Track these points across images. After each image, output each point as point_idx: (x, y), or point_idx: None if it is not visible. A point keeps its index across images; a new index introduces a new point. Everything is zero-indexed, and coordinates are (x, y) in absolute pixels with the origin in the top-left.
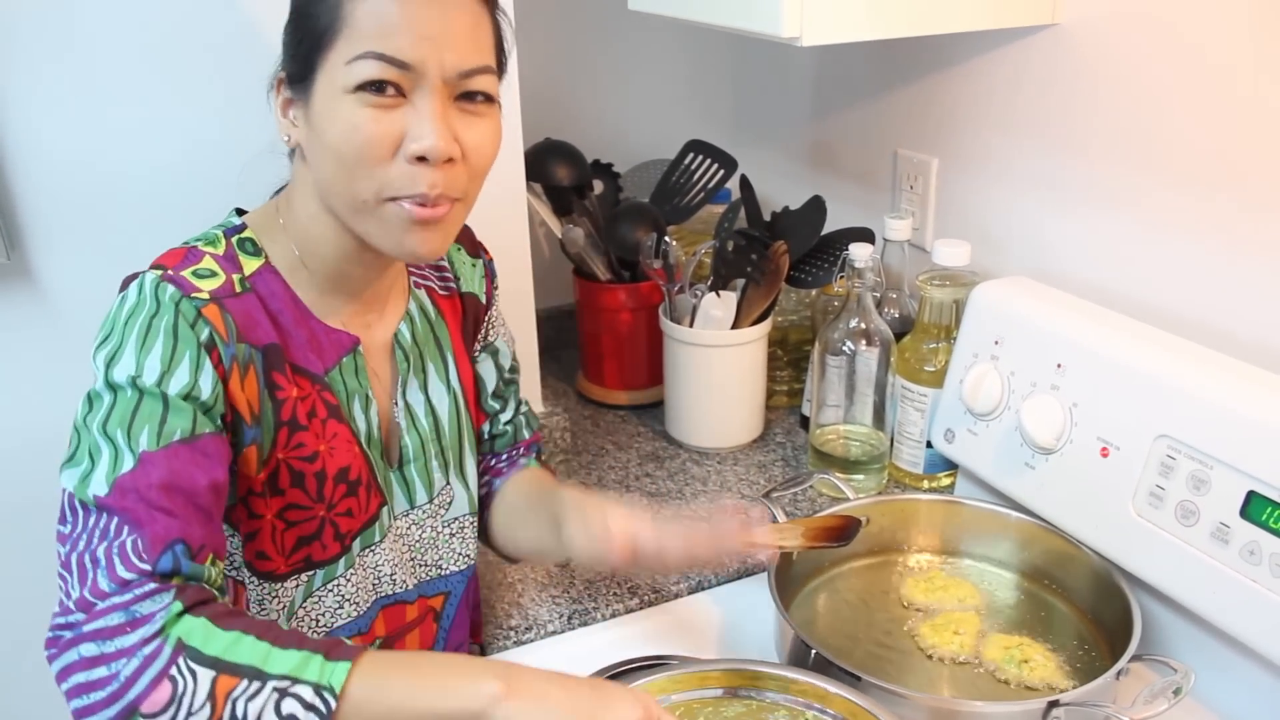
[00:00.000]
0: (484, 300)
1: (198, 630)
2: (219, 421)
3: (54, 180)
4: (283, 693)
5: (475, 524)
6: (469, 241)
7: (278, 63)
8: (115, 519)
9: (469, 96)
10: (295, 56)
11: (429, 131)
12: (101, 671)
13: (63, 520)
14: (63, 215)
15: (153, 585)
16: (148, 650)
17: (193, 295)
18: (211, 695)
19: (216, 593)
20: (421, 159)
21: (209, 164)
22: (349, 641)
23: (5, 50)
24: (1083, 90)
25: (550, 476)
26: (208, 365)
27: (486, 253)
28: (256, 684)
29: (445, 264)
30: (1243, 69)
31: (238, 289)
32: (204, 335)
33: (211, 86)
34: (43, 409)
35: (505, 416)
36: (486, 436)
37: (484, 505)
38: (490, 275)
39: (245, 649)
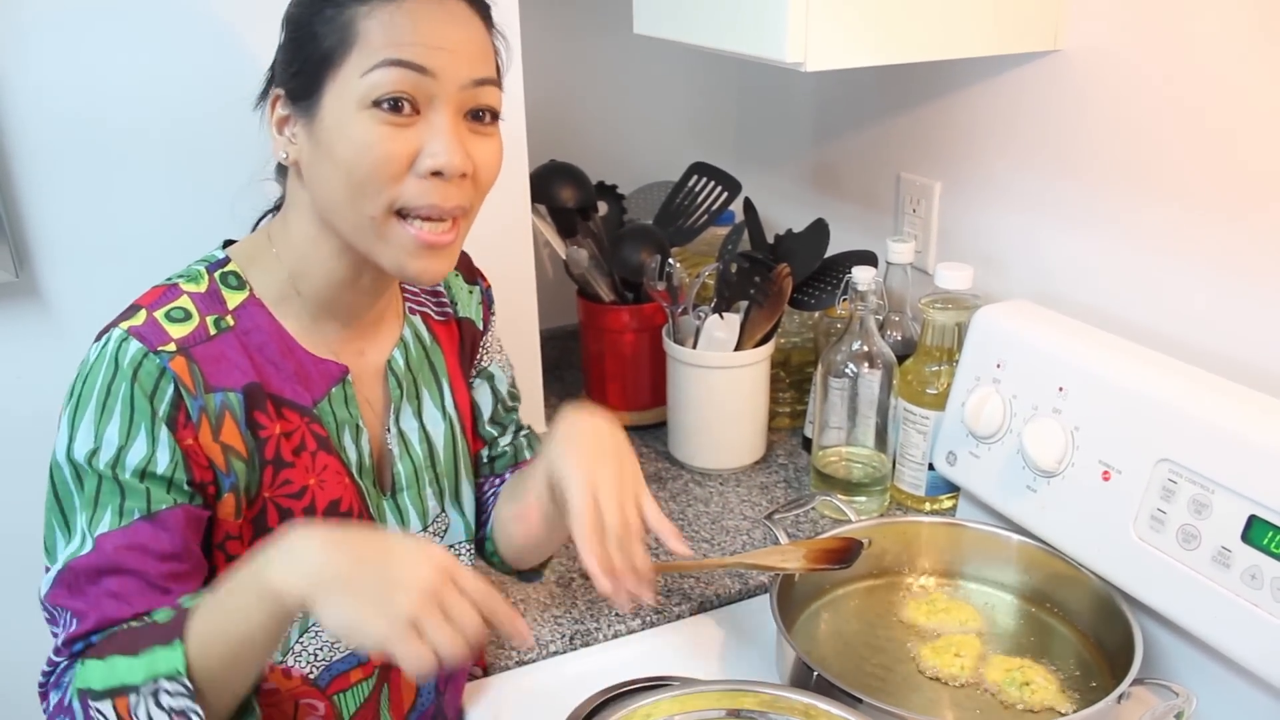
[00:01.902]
0: (480, 326)
1: (88, 672)
2: (184, 488)
3: (63, 198)
4: (155, 692)
5: (472, 549)
6: (466, 268)
7: (265, 81)
8: (65, 613)
9: (477, 116)
10: (298, 75)
11: (444, 148)
12: None
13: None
14: (71, 233)
15: (67, 661)
16: (70, 715)
17: (159, 349)
18: (119, 718)
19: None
20: (436, 174)
21: (217, 184)
22: (186, 603)
23: (19, 74)
24: (1085, 116)
25: None
26: (164, 436)
27: (484, 280)
28: (134, 695)
29: (442, 289)
30: (1241, 96)
31: (212, 331)
32: (165, 401)
33: (221, 109)
34: (50, 425)
35: (504, 441)
36: (485, 459)
37: (485, 524)
38: (488, 302)
39: (119, 670)
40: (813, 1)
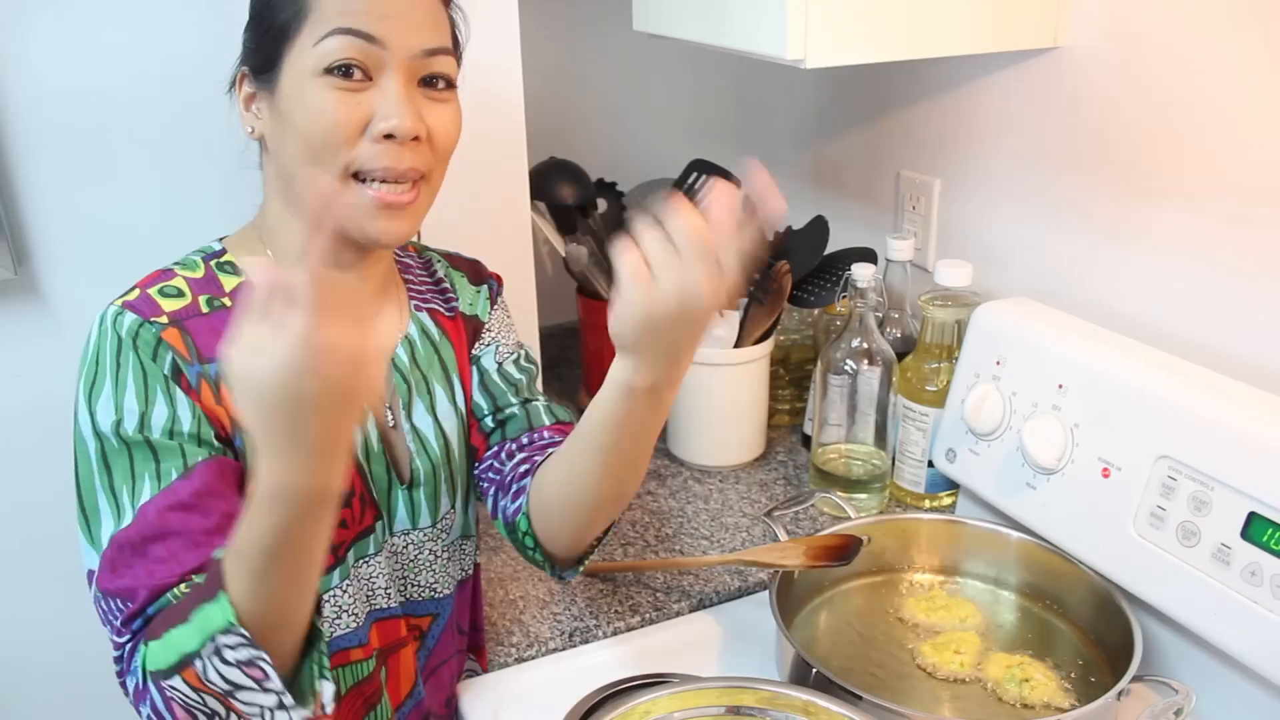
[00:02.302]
0: (484, 320)
1: (153, 654)
2: (214, 442)
3: (62, 196)
4: (216, 651)
5: (471, 545)
6: (473, 271)
7: (236, 62)
8: (114, 600)
9: (431, 82)
10: (259, 49)
11: (395, 110)
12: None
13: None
14: (70, 231)
15: (130, 642)
16: (150, 698)
17: (151, 319)
18: (196, 689)
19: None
20: (389, 137)
21: (216, 180)
22: (217, 554)
23: (19, 72)
24: (1084, 113)
25: None
26: (179, 394)
27: (498, 279)
28: (199, 662)
29: (448, 285)
30: (1241, 92)
31: (205, 309)
32: (166, 364)
33: (220, 104)
34: (49, 421)
35: (512, 405)
36: (493, 425)
37: (512, 518)
38: (493, 295)
39: (176, 642)
40: None
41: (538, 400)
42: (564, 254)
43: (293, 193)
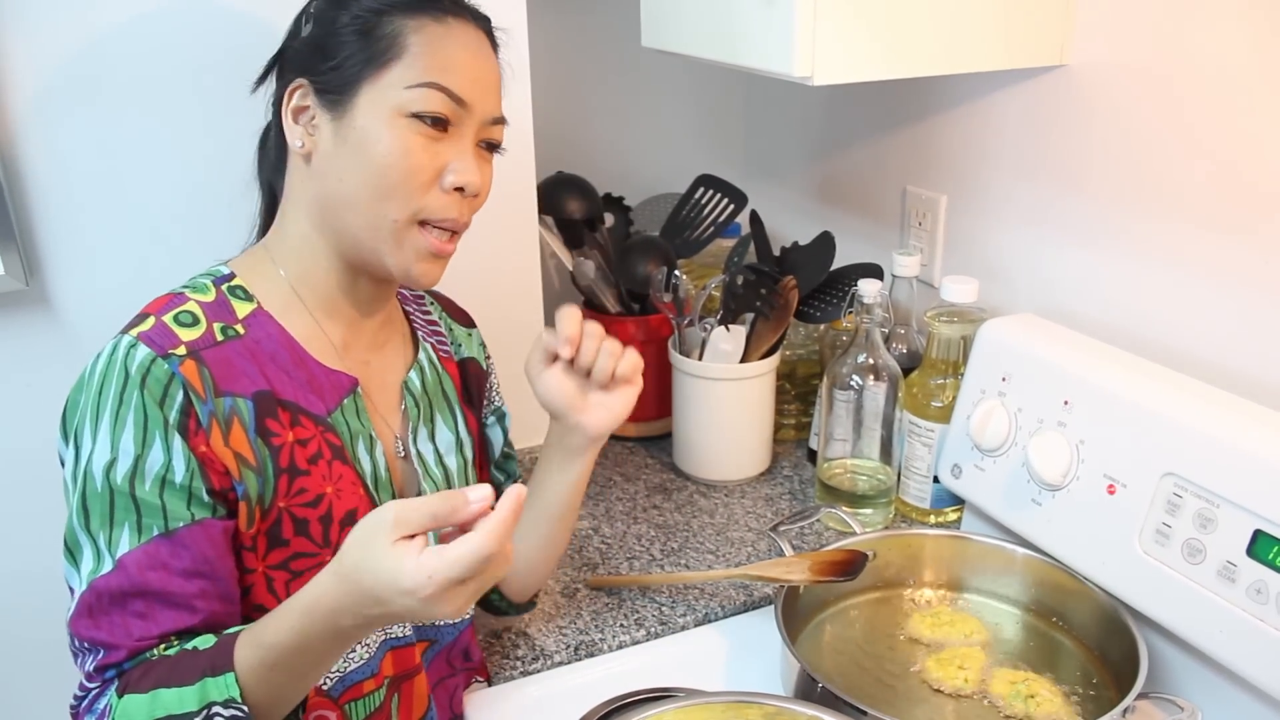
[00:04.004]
0: (484, 366)
1: (129, 707)
2: (203, 499)
3: (73, 207)
4: (208, 718)
5: None
6: (459, 315)
7: (269, 66)
8: (91, 646)
9: (491, 145)
10: (335, 71)
11: (470, 168)
12: None
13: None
14: (81, 242)
15: (100, 687)
16: None
17: (168, 353)
18: None
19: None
20: (458, 190)
21: (228, 192)
22: (227, 632)
23: (31, 81)
24: (1090, 130)
25: None
26: (178, 445)
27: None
28: None
29: (443, 330)
30: (1247, 111)
31: (219, 338)
32: (175, 407)
33: (232, 117)
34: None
35: (497, 482)
36: None
37: None
38: (482, 344)
39: (163, 701)
40: (820, 16)
41: (509, 481)
42: (571, 268)
43: (348, 221)
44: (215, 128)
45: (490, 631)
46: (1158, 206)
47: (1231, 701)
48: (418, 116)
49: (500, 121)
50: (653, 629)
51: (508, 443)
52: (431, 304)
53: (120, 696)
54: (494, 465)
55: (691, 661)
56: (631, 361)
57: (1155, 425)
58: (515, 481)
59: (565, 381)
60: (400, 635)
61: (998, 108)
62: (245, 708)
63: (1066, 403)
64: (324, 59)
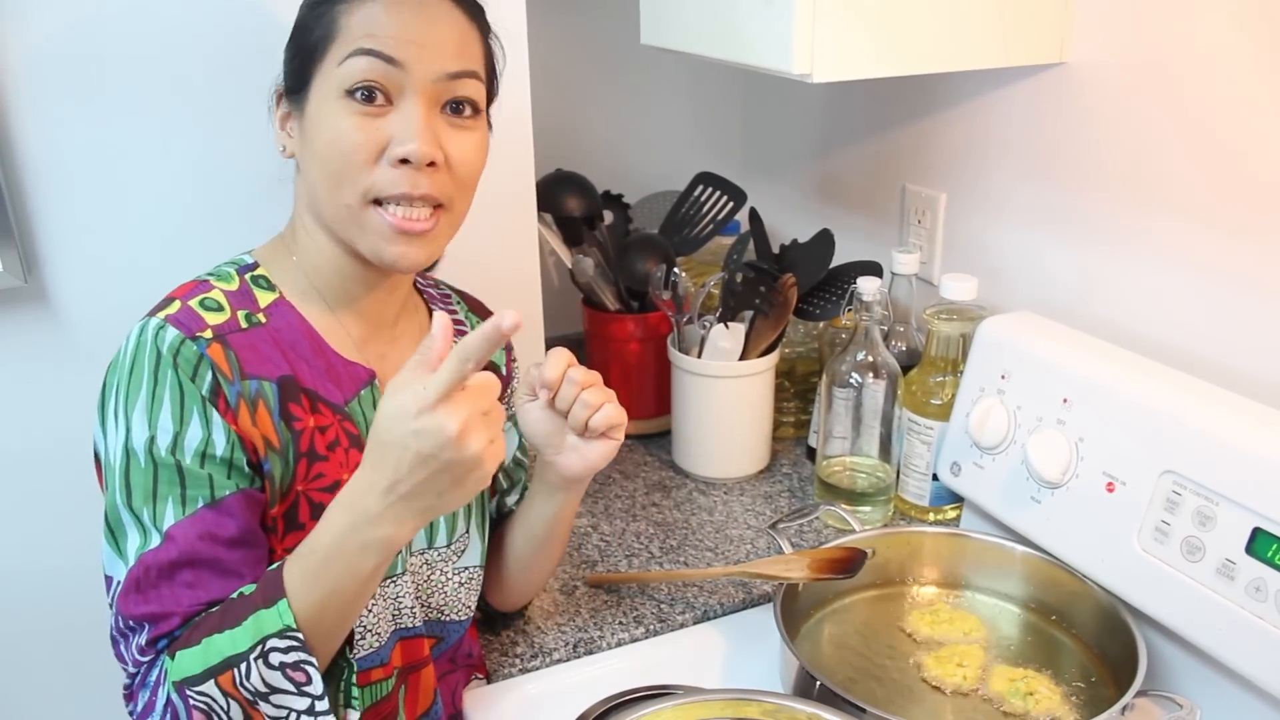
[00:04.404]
0: (505, 372)
1: (183, 662)
2: (244, 469)
3: (72, 204)
4: (263, 654)
5: (481, 577)
6: (486, 316)
7: (277, 79)
8: (139, 623)
9: (456, 108)
10: (292, 70)
11: (412, 134)
12: None
13: (108, 594)
14: (80, 239)
15: (153, 658)
16: (170, 708)
17: (196, 335)
18: (225, 694)
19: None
20: (404, 161)
21: (226, 189)
22: (270, 568)
23: (29, 75)
24: (1090, 128)
25: None
26: (215, 417)
27: None
28: (242, 664)
29: (467, 328)
30: (1247, 108)
31: (243, 324)
32: (205, 386)
33: (230, 114)
34: (56, 430)
35: (511, 499)
36: (494, 517)
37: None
38: (509, 347)
39: (217, 647)
40: (819, 13)
41: (516, 490)
42: (570, 265)
43: (322, 214)
44: (215, 126)
45: (489, 629)
46: (1158, 204)
47: (1230, 699)
48: (351, 94)
49: (464, 76)
50: (652, 626)
51: (521, 448)
52: (458, 302)
53: (172, 657)
54: (502, 469)
55: (690, 659)
56: (606, 416)
57: (1154, 423)
58: (518, 489)
59: (545, 419)
60: (410, 626)
61: (997, 105)
62: (300, 635)
63: (1066, 400)
64: (287, 63)
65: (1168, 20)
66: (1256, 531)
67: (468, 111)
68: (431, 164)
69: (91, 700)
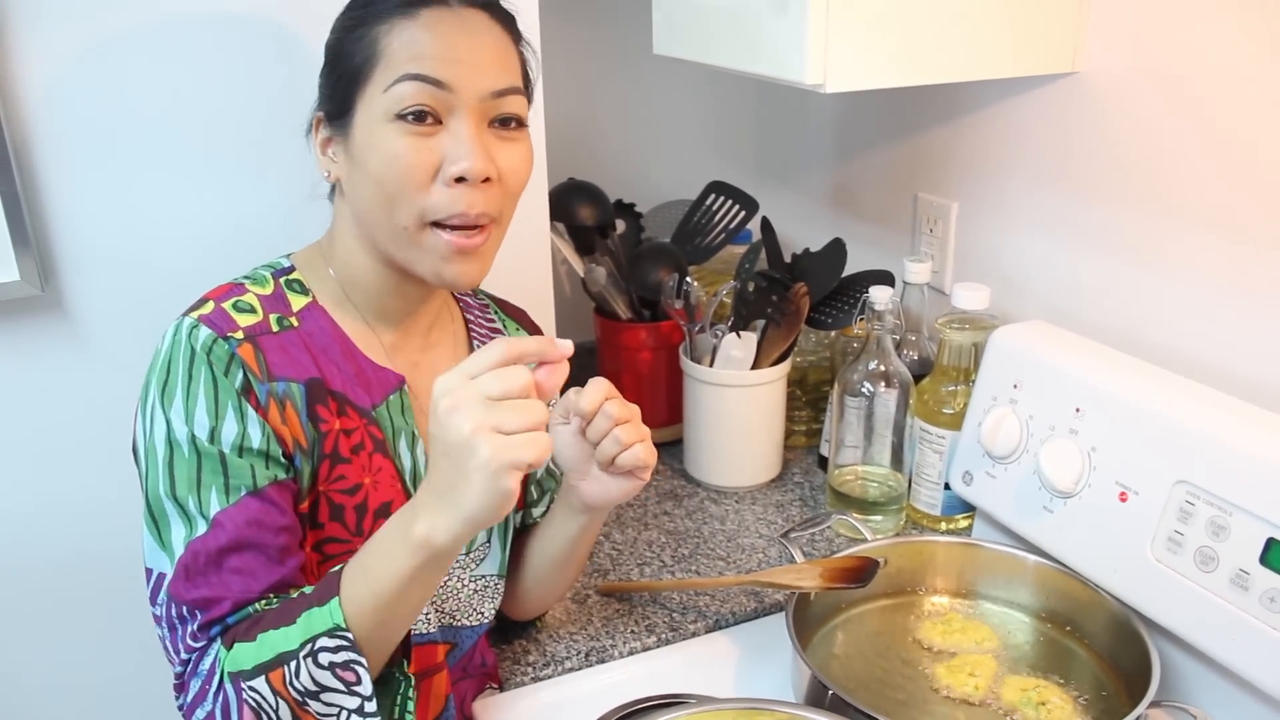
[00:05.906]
0: None
1: (238, 655)
2: (280, 460)
3: (90, 212)
4: (313, 653)
5: (501, 586)
6: (525, 321)
7: (313, 105)
8: (190, 610)
9: (503, 122)
10: (333, 95)
11: (466, 153)
12: None
13: (150, 586)
14: (97, 247)
15: (205, 645)
16: (221, 697)
17: (228, 335)
18: (275, 692)
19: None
20: (460, 180)
21: (243, 199)
22: (332, 569)
23: (47, 86)
24: (1102, 138)
25: None
26: (250, 411)
27: (539, 330)
28: (293, 662)
29: (505, 333)
30: (1259, 117)
31: (275, 327)
32: (238, 382)
33: (249, 126)
34: (74, 435)
35: (538, 511)
36: (519, 528)
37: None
38: None
39: (270, 643)
40: (832, 24)
41: (544, 499)
42: (582, 274)
43: (374, 236)
44: (233, 136)
45: (502, 637)
46: (1170, 212)
47: (1244, 710)
48: (401, 117)
49: (509, 93)
50: (664, 635)
51: (554, 460)
52: (495, 310)
53: (229, 649)
54: (532, 480)
55: (702, 668)
56: (635, 456)
57: (1168, 433)
58: (548, 496)
59: (575, 445)
60: (424, 632)
61: (1009, 115)
62: (350, 635)
63: (1078, 410)
64: (327, 86)
65: (1179, 30)
66: (1271, 542)
67: (513, 125)
68: (486, 180)
69: (98, 702)
